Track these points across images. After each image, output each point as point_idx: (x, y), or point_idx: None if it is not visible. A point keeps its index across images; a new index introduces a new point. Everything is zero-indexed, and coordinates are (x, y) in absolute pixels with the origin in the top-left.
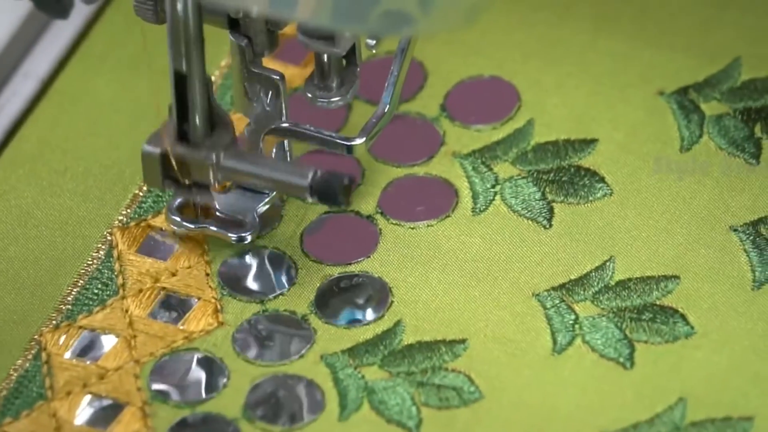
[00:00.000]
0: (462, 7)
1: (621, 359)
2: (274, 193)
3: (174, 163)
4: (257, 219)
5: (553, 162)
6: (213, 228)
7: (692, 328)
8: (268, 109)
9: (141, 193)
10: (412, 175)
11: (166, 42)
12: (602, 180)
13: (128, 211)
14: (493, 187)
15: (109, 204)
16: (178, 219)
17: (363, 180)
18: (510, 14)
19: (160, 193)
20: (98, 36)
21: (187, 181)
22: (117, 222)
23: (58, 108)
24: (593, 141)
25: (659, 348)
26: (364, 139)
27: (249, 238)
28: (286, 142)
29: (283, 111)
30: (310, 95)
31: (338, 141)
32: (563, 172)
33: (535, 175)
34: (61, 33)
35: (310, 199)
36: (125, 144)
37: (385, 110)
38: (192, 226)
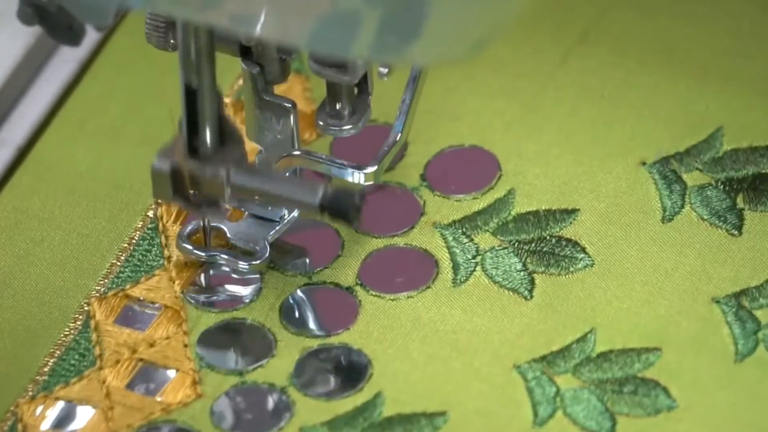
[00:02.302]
0: (466, 39)
1: None
2: (285, 221)
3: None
4: (268, 247)
5: (534, 232)
6: (223, 256)
7: (674, 401)
8: (279, 137)
9: (119, 263)
10: (392, 246)
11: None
12: (583, 250)
13: (106, 281)
14: (474, 258)
15: (86, 273)
16: (189, 247)
17: (342, 251)
18: (491, 81)
19: (138, 263)
20: (76, 103)
21: (195, 193)
22: (94, 292)
23: (35, 176)
24: (574, 211)
25: (641, 421)
26: (375, 167)
27: (259, 267)
28: (297, 169)
29: (295, 139)
30: (321, 123)
31: (350, 169)
32: (544, 243)
33: (516, 245)
34: (38, 99)
35: (320, 217)
36: (103, 212)
37: (397, 138)
38: (202, 254)
